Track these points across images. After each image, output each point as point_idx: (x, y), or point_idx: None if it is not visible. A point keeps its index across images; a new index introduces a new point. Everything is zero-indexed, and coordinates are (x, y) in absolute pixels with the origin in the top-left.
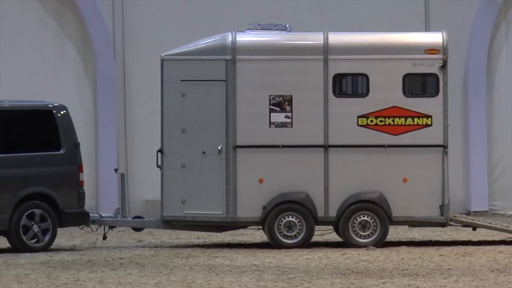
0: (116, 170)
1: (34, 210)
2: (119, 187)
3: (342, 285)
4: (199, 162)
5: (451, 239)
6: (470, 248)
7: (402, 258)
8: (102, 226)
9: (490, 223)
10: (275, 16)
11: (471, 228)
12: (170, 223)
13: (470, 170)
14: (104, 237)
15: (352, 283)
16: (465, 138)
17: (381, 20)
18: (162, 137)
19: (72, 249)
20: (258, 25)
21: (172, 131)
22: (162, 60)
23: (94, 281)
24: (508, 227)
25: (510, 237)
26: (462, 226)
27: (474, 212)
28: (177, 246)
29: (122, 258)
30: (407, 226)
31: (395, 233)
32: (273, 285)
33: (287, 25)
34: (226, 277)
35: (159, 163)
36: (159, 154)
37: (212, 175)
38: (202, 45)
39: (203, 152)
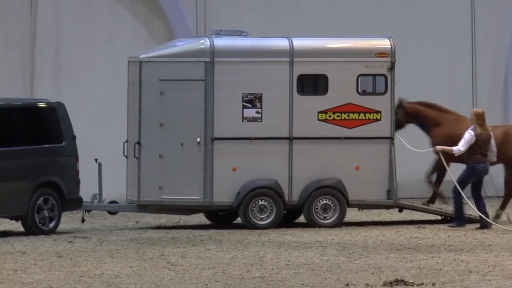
0: (96, 160)
1: (46, 197)
2: (98, 175)
3: (396, 259)
4: (177, 153)
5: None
6: (510, 226)
7: (449, 236)
8: (81, 211)
9: (427, 206)
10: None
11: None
12: (145, 207)
13: None
14: (83, 220)
15: (404, 257)
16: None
17: (428, 21)
18: (139, 130)
19: (158, 227)
20: (220, 31)
21: (150, 125)
22: (140, 62)
23: (177, 256)
24: (441, 209)
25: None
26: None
27: None
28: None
29: (202, 235)
30: (358, 208)
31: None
32: (335, 259)
33: (246, 31)
34: (293, 252)
35: (126, 153)
36: (137, 145)
37: (189, 164)
38: (181, 48)
39: (181, 144)
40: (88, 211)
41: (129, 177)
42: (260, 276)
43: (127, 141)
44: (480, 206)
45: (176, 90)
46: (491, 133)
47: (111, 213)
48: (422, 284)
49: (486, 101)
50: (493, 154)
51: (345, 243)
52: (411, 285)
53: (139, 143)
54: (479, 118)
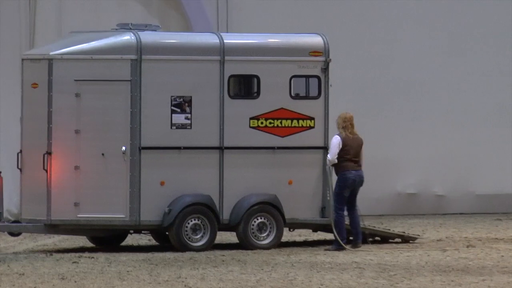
0: None
1: None
2: None
3: (442, 282)
4: (97, 164)
5: None
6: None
7: (502, 256)
8: None
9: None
10: None
11: None
12: (56, 227)
13: None
14: None
15: (452, 281)
16: None
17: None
18: (49, 139)
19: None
20: (131, 24)
21: (62, 132)
22: (50, 60)
23: (196, 278)
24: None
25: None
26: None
27: None
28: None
29: (223, 255)
30: (288, 228)
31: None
32: (374, 282)
33: (157, 25)
34: (327, 274)
35: (20, 166)
36: (46, 156)
37: (112, 178)
38: (101, 44)
39: (102, 154)
40: None
41: (24, 193)
42: None
43: (21, 152)
44: (354, 223)
45: (96, 92)
46: (362, 138)
47: (13, 234)
48: None
49: None
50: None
51: (385, 264)
52: None
53: (49, 153)
54: (344, 121)
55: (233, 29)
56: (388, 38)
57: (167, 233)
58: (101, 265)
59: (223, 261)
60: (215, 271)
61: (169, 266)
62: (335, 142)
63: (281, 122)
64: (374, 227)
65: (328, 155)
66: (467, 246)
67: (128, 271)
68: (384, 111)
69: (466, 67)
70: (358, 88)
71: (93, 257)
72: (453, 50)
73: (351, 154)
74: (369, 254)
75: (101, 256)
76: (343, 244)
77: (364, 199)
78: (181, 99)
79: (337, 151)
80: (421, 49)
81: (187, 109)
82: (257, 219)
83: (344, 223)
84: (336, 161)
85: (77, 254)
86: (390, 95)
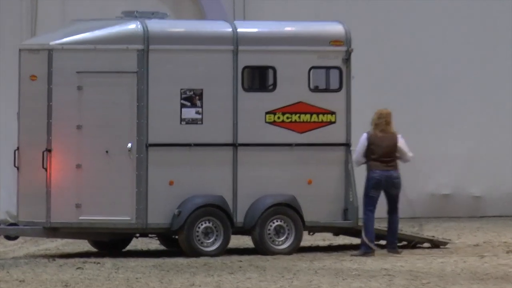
0: None
1: None
2: None
3: None
4: (100, 162)
5: None
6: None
7: None
8: None
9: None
10: None
11: None
12: (57, 231)
13: None
14: None
15: None
16: None
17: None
18: (49, 135)
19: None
20: (136, 12)
21: (63, 128)
22: (50, 50)
23: (211, 286)
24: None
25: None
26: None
27: None
28: (300, 249)
29: (241, 261)
30: (308, 232)
31: None
32: None
33: (165, 13)
34: (354, 282)
35: (17, 164)
36: (46, 153)
37: (117, 177)
38: (105, 33)
39: (106, 152)
40: None
41: (21, 193)
42: None
43: (18, 149)
44: (390, 229)
45: (100, 84)
46: (398, 136)
47: (10, 238)
48: None
49: None
50: (402, 160)
51: (417, 271)
52: None
53: (49, 150)
54: (379, 118)
55: (250, 18)
56: (420, 27)
57: (176, 237)
58: (107, 271)
59: (240, 267)
60: (232, 278)
61: (182, 273)
62: (361, 140)
63: (299, 117)
64: (401, 230)
65: (353, 156)
66: (507, 252)
67: (137, 278)
68: (416, 106)
69: (506, 60)
70: (385, 80)
71: (99, 263)
72: (492, 43)
73: (377, 153)
74: (399, 260)
75: (108, 262)
76: (371, 246)
77: None
78: (192, 92)
79: (362, 150)
80: (457, 41)
81: (198, 103)
82: (274, 222)
83: (372, 224)
84: (361, 161)
85: (82, 259)
86: (421, 88)
